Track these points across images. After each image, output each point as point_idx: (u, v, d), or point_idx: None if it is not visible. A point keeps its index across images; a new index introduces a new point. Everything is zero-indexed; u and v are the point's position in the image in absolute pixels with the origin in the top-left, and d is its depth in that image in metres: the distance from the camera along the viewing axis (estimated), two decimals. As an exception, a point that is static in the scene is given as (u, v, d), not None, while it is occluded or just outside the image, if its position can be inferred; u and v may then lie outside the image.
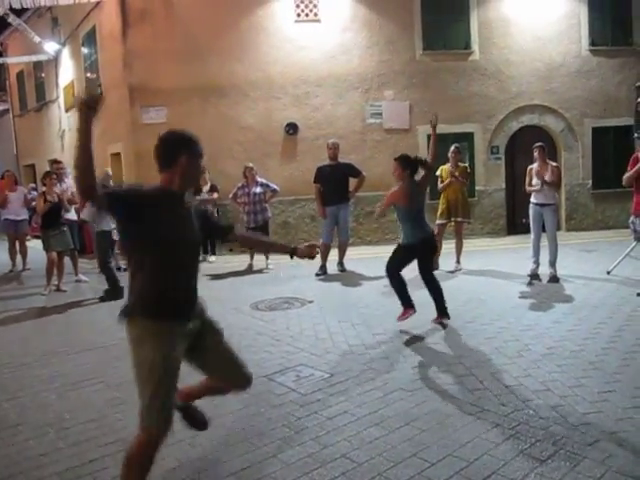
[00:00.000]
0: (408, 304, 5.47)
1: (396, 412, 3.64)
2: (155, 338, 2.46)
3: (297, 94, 11.09)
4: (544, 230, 7.42)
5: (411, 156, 5.55)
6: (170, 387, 2.47)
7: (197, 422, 3.10)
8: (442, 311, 5.53)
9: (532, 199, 7.44)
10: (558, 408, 3.58)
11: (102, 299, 7.37)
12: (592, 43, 11.96)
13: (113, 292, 7.32)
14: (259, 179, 9.26)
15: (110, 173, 8.11)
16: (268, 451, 3.22)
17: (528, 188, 7.47)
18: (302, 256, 3.11)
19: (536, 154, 7.40)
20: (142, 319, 2.49)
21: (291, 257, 3.14)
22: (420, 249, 5.47)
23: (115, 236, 7.71)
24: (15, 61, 16.61)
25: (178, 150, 2.58)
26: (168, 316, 2.52)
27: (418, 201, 5.50)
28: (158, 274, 2.52)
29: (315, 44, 11.09)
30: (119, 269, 9.42)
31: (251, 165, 9.27)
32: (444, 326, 5.46)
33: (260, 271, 9.04)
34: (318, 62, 11.14)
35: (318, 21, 11.14)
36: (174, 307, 2.56)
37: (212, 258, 10.28)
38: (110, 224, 7.50)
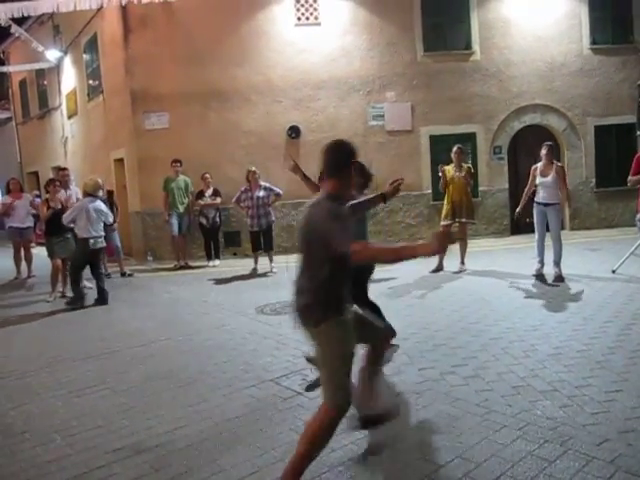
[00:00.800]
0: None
1: (403, 414, 3.63)
2: (347, 333, 2.82)
3: (299, 97, 11.11)
4: (548, 230, 7.41)
5: (366, 167, 4.61)
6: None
7: (382, 417, 3.21)
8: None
9: (536, 198, 7.43)
10: (566, 408, 3.56)
11: (68, 303, 7.56)
12: (593, 42, 11.95)
13: (76, 300, 7.53)
14: (262, 183, 9.27)
15: (101, 183, 8.11)
16: (275, 455, 3.21)
17: (524, 195, 7.53)
18: (392, 195, 3.73)
19: (544, 152, 7.38)
20: (337, 318, 2.80)
21: (385, 202, 3.76)
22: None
23: (98, 244, 7.59)
24: (17, 69, 16.68)
25: (349, 159, 2.88)
26: (348, 312, 2.89)
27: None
28: (342, 277, 2.81)
29: (316, 47, 11.10)
30: (108, 275, 9.42)
31: (254, 169, 9.28)
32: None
33: (264, 275, 9.04)
34: (319, 65, 11.15)
35: (318, 24, 11.15)
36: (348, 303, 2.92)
37: (216, 262, 10.28)
38: (90, 231, 7.47)
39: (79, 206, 7.65)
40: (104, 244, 7.84)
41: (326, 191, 2.85)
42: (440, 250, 2.57)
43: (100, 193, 7.99)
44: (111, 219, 8.13)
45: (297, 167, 4.93)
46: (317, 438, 2.75)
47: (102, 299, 7.63)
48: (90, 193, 7.70)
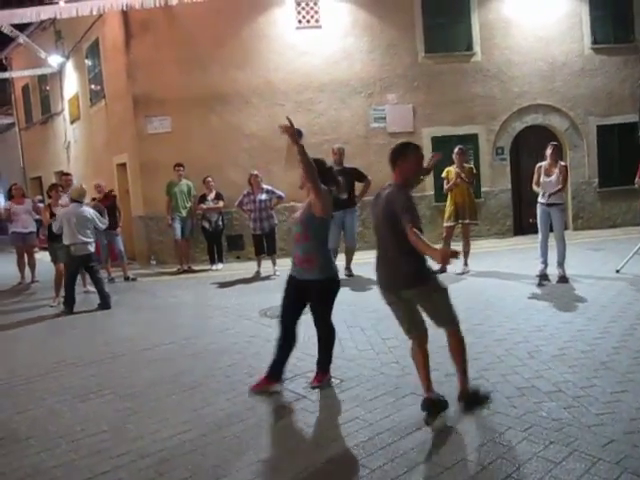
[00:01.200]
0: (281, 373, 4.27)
1: (408, 417, 3.62)
2: (440, 281, 3.67)
3: (300, 100, 11.11)
4: (551, 230, 7.39)
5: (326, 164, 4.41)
6: None
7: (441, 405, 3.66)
8: (324, 367, 4.32)
9: (539, 199, 7.41)
10: (571, 409, 3.55)
11: (64, 312, 7.53)
12: (594, 41, 11.94)
13: (69, 305, 7.53)
14: (264, 186, 9.27)
15: (85, 188, 8.08)
16: (280, 458, 3.21)
17: (535, 187, 7.45)
18: (432, 168, 4.90)
19: (549, 151, 7.36)
20: (431, 275, 3.64)
21: (428, 174, 4.94)
22: (337, 284, 4.23)
23: (80, 251, 7.47)
24: (20, 75, 16.73)
25: (397, 156, 3.64)
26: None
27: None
28: None
29: (317, 50, 11.11)
30: (112, 280, 9.46)
31: (256, 172, 9.29)
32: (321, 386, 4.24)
33: (268, 278, 9.04)
34: (320, 68, 11.16)
35: (319, 27, 11.16)
36: None
37: (219, 266, 10.29)
38: (71, 238, 7.43)
39: (62, 213, 7.67)
40: (89, 250, 7.56)
41: (393, 181, 3.65)
42: (442, 263, 3.44)
43: (85, 199, 7.90)
44: (102, 225, 7.95)
45: (293, 133, 3.93)
46: (464, 350, 3.72)
47: (104, 303, 7.62)
48: (75, 199, 7.69)
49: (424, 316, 3.71)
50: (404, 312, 3.69)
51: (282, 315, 4.25)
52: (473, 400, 3.65)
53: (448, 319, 3.67)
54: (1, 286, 9.91)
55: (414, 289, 3.59)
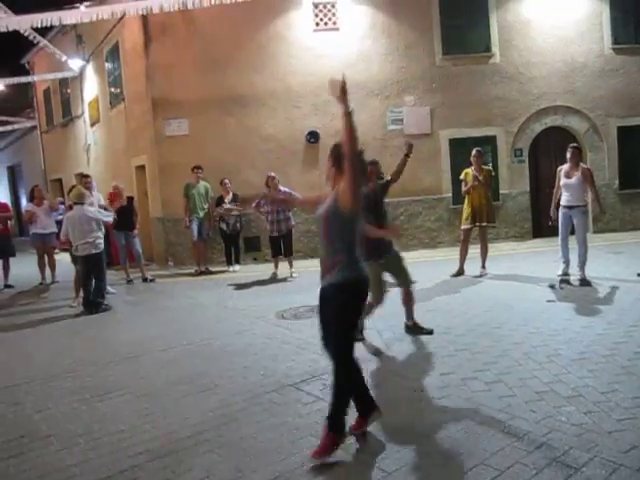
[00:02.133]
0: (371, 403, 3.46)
1: (426, 420, 3.59)
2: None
3: (317, 102, 11.11)
4: (572, 233, 7.30)
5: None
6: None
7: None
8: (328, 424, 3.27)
9: (561, 201, 7.32)
10: (591, 414, 3.50)
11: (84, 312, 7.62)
12: (615, 41, 11.79)
13: (88, 307, 7.61)
14: (282, 188, 9.29)
15: (85, 192, 8.10)
16: (296, 461, 3.20)
17: (555, 196, 7.39)
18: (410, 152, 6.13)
19: (569, 155, 7.27)
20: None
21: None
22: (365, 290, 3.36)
23: (80, 251, 7.53)
24: (42, 79, 16.98)
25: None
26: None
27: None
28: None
29: (334, 52, 11.12)
30: (130, 281, 9.56)
31: (273, 174, 9.32)
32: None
33: (284, 280, 9.05)
34: (337, 70, 10.96)
35: (337, 29, 11.18)
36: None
37: (236, 267, 10.33)
38: (73, 239, 7.52)
39: (67, 217, 7.77)
40: (90, 251, 7.53)
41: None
42: (396, 237, 5.59)
43: (86, 199, 7.90)
44: (107, 218, 7.97)
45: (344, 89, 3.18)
46: (412, 299, 5.56)
47: (87, 306, 7.63)
48: (76, 202, 7.73)
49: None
50: None
51: (324, 343, 3.42)
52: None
53: (405, 280, 5.45)
54: (22, 286, 10.06)
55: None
